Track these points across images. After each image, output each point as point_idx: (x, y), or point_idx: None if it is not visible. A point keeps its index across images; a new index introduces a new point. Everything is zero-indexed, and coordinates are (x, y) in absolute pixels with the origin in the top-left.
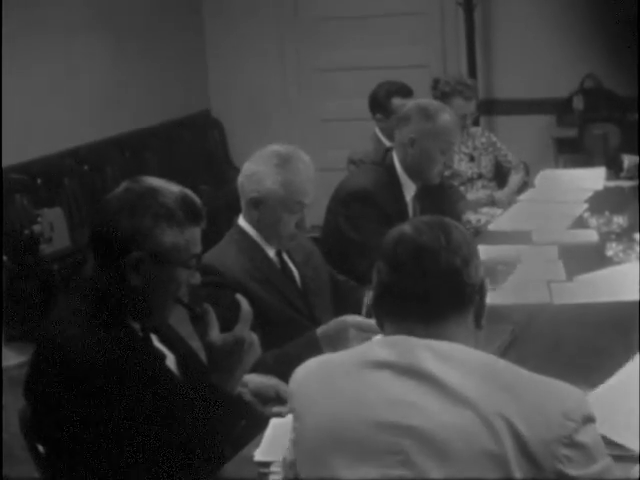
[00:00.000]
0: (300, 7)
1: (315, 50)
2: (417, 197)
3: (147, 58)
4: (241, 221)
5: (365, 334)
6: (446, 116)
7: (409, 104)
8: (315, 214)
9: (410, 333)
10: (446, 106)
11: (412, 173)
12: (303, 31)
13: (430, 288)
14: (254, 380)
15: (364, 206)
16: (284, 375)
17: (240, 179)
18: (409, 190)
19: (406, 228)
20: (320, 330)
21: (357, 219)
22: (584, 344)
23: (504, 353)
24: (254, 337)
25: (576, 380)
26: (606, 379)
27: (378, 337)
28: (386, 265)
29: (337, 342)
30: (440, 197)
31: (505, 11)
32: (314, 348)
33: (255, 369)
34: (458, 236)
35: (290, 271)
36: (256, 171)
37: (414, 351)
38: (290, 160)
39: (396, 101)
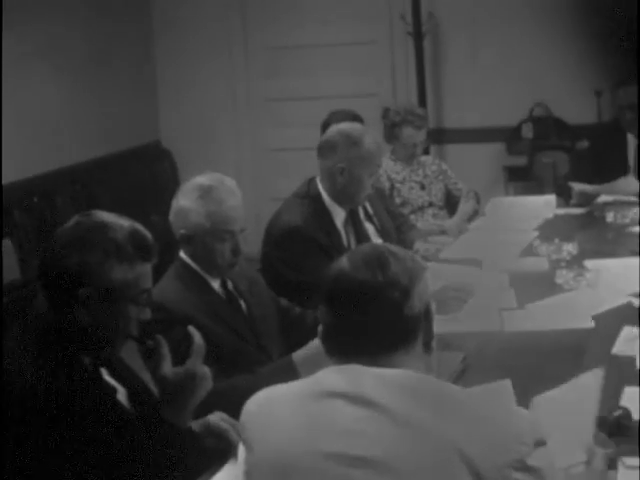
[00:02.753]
0: (250, 37)
1: (265, 80)
2: (347, 222)
3: (97, 89)
4: (182, 254)
5: None
6: (370, 139)
7: (331, 131)
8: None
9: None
10: (368, 129)
11: (341, 200)
12: (253, 61)
13: (372, 326)
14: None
15: (297, 244)
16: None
17: (170, 216)
18: (339, 217)
19: (344, 264)
20: (297, 354)
21: (293, 259)
22: (535, 371)
23: (456, 381)
24: (206, 370)
25: (527, 407)
26: None
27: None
28: (326, 306)
29: (318, 365)
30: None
31: (454, 40)
32: (290, 373)
33: (225, 397)
34: (396, 267)
35: (236, 301)
36: (181, 207)
37: (364, 380)
38: (212, 191)
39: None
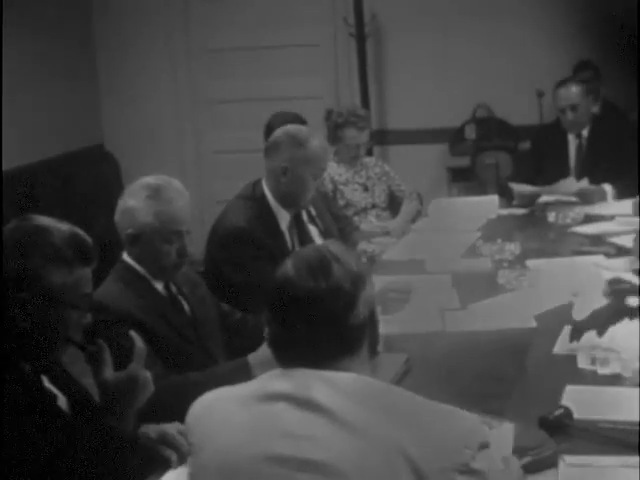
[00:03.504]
0: (193, 39)
1: (208, 82)
2: (292, 225)
3: (39, 92)
4: (125, 256)
5: None
6: (316, 142)
7: (277, 132)
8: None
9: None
10: (315, 132)
11: (286, 202)
12: (196, 63)
13: (316, 336)
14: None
15: (242, 245)
16: None
17: (115, 216)
18: (284, 219)
19: (288, 270)
20: (253, 356)
21: (237, 260)
22: (478, 371)
23: (399, 382)
24: (147, 375)
25: (470, 407)
26: (500, 405)
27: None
28: (271, 314)
29: (273, 367)
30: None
31: (397, 42)
32: (245, 374)
33: (178, 391)
34: (339, 272)
35: (179, 303)
36: (128, 206)
37: (310, 383)
38: (161, 190)
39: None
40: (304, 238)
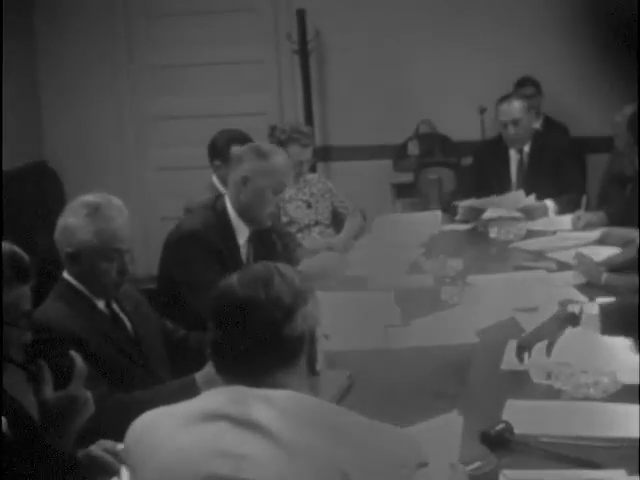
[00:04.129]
0: (135, 55)
1: (152, 98)
2: (251, 241)
3: None
4: (66, 275)
5: None
6: (280, 157)
7: (243, 147)
8: (153, 264)
9: (244, 384)
10: (281, 149)
11: (245, 215)
12: (139, 79)
13: (253, 344)
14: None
15: (193, 246)
16: None
17: (55, 235)
18: (242, 234)
19: (232, 281)
20: (200, 374)
21: (187, 260)
22: (420, 387)
23: (341, 399)
24: (88, 394)
25: (413, 424)
26: None
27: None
28: (212, 322)
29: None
30: (268, 242)
31: (340, 58)
32: (191, 392)
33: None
34: (281, 286)
35: (122, 321)
36: (68, 225)
37: (249, 402)
38: (100, 208)
39: (236, 149)
40: (264, 256)
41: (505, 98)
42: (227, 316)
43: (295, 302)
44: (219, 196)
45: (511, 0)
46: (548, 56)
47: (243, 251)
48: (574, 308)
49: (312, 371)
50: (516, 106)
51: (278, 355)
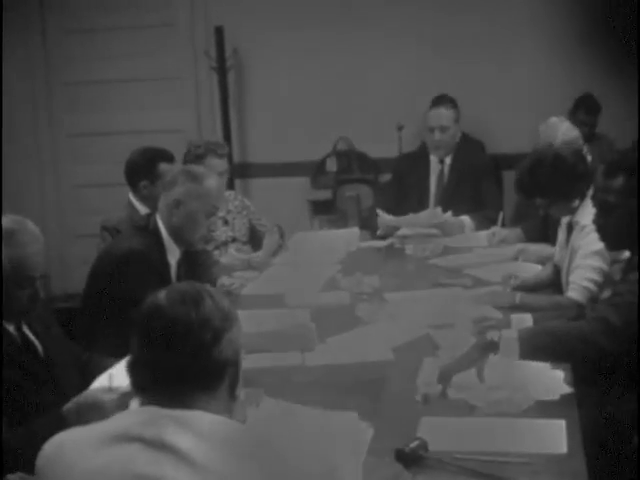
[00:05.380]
0: (52, 72)
1: (69, 115)
2: (181, 262)
3: None
4: None
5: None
6: (212, 181)
7: (176, 168)
8: (71, 282)
9: (160, 405)
10: (212, 173)
11: (177, 236)
12: (56, 96)
13: (178, 364)
14: None
15: (133, 265)
16: (31, 457)
17: None
18: (174, 254)
19: (161, 298)
20: (67, 406)
21: (128, 278)
22: (336, 405)
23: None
24: None
25: None
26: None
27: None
28: (137, 337)
29: (91, 414)
30: (196, 262)
31: (258, 75)
32: (60, 425)
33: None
34: (210, 308)
35: (32, 344)
36: None
37: (163, 423)
38: (14, 234)
39: (162, 167)
40: (193, 277)
41: (436, 104)
42: (154, 335)
43: (223, 325)
44: (151, 215)
45: (431, 16)
46: (465, 74)
47: (172, 270)
48: (493, 336)
49: (232, 396)
50: (446, 113)
51: (202, 378)
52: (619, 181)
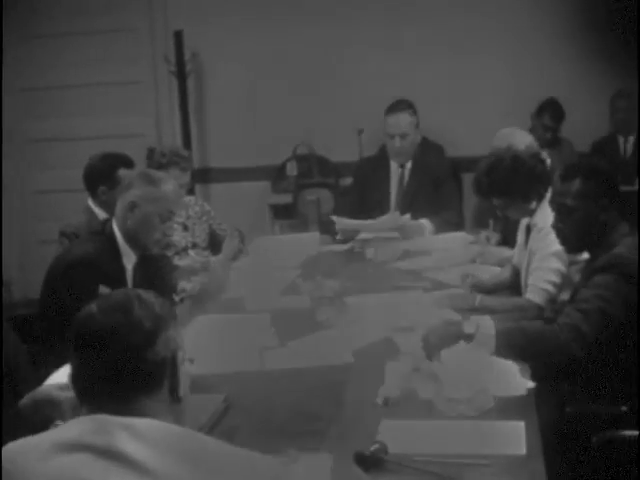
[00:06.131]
0: (8, 77)
1: (29, 121)
2: (138, 266)
3: None
4: None
5: None
6: (169, 185)
7: (133, 173)
8: (30, 288)
9: (107, 413)
10: (171, 178)
11: (132, 240)
12: (13, 101)
13: (113, 371)
14: None
15: (85, 272)
16: None
17: None
18: (130, 259)
19: (92, 307)
20: (23, 402)
21: (79, 286)
22: (296, 409)
23: (217, 423)
24: None
25: (288, 446)
26: (317, 443)
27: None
28: (73, 347)
29: (46, 409)
30: (154, 267)
31: (218, 79)
32: (17, 421)
33: None
34: (140, 312)
35: None
36: None
37: (112, 431)
38: None
39: (122, 172)
40: (150, 281)
41: (395, 110)
42: (86, 343)
43: (156, 327)
44: (107, 220)
45: (389, 19)
46: (424, 77)
47: (129, 277)
48: (469, 327)
49: (174, 397)
50: (405, 120)
51: (140, 381)
52: (576, 184)
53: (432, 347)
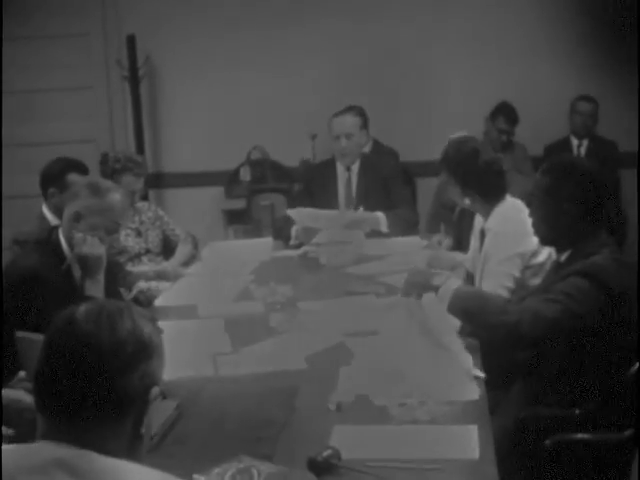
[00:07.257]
0: None
1: None
2: None
3: None
4: None
5: None
6: (116, 196)
7: (81, 181)
8: None
9: (58, 431)
10: (120, 188)
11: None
12: None
13: (79, 389)
14: None
15: (33, 287)
16: None
17: None
18: (77, 267)
19: (79, 310)
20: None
21: (27, 303)
22: (248, 415)
23: (170, 429)
24: None
25: (240, 452)
26: (270, 449)
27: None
28: (44, 350)
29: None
30: (107, 274)
31: (171, 83)
32: None
33: None
34: (127, 332)
35: None
36: None
37: (51, 473)
38: None
39: (72, 177)
40: (105, 288)
41: (340, 112)
42: (59, 351)
43: (138, 355)
44: (53, 229)
45: (341, 25)
46: (378, 82)
47: (79, 284)
48: (439, 280)
49: (136, 434)
50: (350, 120)
51: (103, 409)
52: (546, 180)
53: (411, 285)
